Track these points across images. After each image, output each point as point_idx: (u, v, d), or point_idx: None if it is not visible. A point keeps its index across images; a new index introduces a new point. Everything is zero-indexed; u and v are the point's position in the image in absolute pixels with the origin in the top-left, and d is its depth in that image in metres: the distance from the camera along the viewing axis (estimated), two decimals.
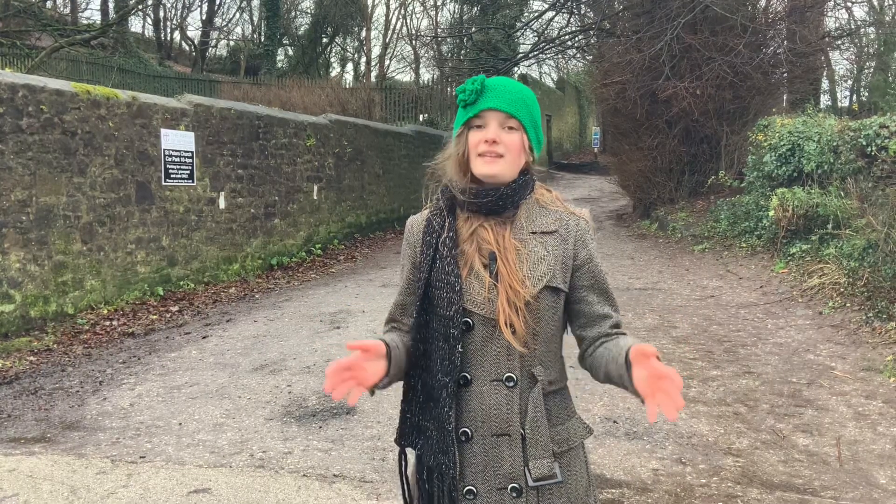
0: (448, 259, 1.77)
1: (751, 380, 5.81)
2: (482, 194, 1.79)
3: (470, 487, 1.75)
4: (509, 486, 1.73)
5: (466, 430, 1.76)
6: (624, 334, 1.81)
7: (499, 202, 1.79)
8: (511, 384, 1.74)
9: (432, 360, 1.79)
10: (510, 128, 1.78)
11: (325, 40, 35.34)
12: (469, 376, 1.76)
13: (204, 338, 7.26)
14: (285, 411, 5.18)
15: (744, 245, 10.73)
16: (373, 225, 15.16)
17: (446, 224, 1.83)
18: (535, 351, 1.76)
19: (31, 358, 6.53)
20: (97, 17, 31.09)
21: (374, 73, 34.40)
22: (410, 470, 1.89)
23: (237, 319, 8.04)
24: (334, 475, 4.16)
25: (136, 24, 36.11)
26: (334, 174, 13.50)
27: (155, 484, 4.05)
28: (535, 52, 19.45)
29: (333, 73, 36.12)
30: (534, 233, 1.80)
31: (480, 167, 1.78)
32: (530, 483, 1.73)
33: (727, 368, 6.11)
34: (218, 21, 37.26)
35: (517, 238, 1.78)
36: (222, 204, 10.23)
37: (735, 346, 6.77)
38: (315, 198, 12.79)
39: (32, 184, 7.24)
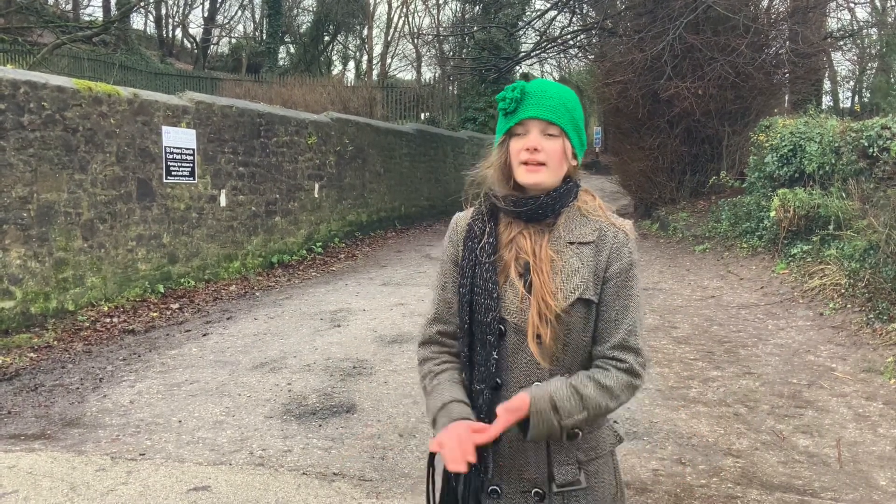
0: (486, 266, 1.79)
1: (751, 380, 5.81)
2: (522, 203, 1.79)
3: (495, 487, 1.78)
4: (532, 491, 1.76)
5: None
6: (607, 369, 1.73)
7: (538, 210, 1.79)
8: None
9: (474, 366, 1.82)
10: (551, 135, 1.76)
11: (326, 38, 35.33)
12: (500, 381, 1.78)
13: (204, 335, 7.26)
14: (285, 409, 5.18)
15: (745, 245, 10.72)
16: (374, 223, 15.16)
17: (487, 230, 1.83)
18: (563, 361, 1.76)
19: (32, 354, 6.54)
20: (99, 14, 31.08)
21: (375, 72, 34.38)
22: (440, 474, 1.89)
23: (238, 317, 8.04)
24: (334, 473, 4.16)
25: (138, 21, 36.10)
26: (335, 172, 13.49)
27: (155, 481, 4.05)
28: (537, 52, 19.43)
29: (335, 72, 36.12)
30: (571, 243, 1.77)
31: (523, 176, 1.77)
32: (554, 489, 1.75)
33: (727, 369, 6.11)
34: (220, 18, 37.26)
35: (554, 248, 1.77)
36: (223, 202, 10.23)
37: (735, 346, 6.77)
38: (316, 196, 12.78)
39: (34, 180, 7.24)
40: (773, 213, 9.72)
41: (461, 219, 1.93)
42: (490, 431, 1.66)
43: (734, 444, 4.61)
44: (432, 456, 1.84)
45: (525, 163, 1.76)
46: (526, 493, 1.76)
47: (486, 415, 1.76)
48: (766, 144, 11.08)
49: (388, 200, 15.99)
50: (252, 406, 5.25)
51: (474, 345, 1.81)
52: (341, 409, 5.20)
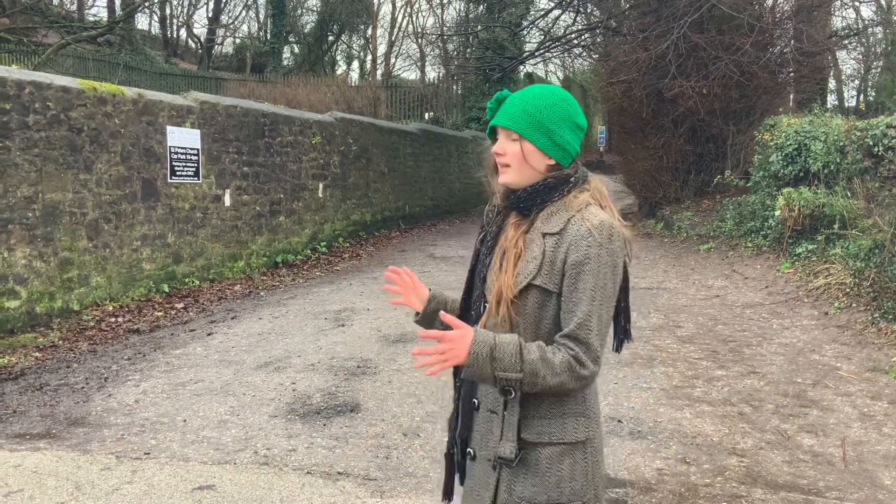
0: (481, 251, 2.08)
1: (756, 380, 5.80)
2: (507, 196, 2.03)
3: (470, 449, 2.00)
4: (492, 458, 1.92)
5: (475, 399, 1.99)
6: (557, 350, 1.84)
7: (518, 203, 1.99)
8: None
9: None
10: (514, 139, 1.97)
11: (330, 38, 35.35)
12: None
13: (209, 335, 7.27)
14: (290, 409, 5.19)
15: (749, 245, 10.70)
16: (378, 223, 15.16)
17: (492, 220, 2.09)
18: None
19: (37, 354, 6.55)
20: (104, 14, 31.13)
21: (379, 72, 34.40)
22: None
23: (242, 317, 8.05)
24: (338, 473, 4.16)
25: (142, 22, 36.14)
26: (339, 172, 13.50)
27: (159, 480, 4.06)
28: (541, 51, 19.42)
29: (339, 71, 36.14)
30: (544, 234, 1.91)
31: (499, 176, 2.03)
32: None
33: (732, 368, 6.10)
34: (224, 19, 37.30)
35: (527, 238, 1.93)
36: (228, 201, 10.24)
37: (740, 345, 6.76)
38: (320, 195, 12.80)
39: (38, 180, 7.26)
40: (777, 213, 9.70)
41: (487, 208, 2.19)
42: (428, 332, 1.90)
43: (739, 443, 4.61)
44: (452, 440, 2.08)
45: (496, 164, 2.02)
46: (488, 461, 1.94)
47: (467, 386, 2.02)
48: (771, 143, 11.05)
49: (393, 200, 16.00)
50: (257, 405, 5.25)
51: (468, 320, 2.02)
52: (345, 408, 5.20)
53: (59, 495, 3.87)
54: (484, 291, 2.00)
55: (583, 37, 18.71)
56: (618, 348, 2.12)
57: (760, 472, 4.19)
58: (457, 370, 2.03)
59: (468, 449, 2.01)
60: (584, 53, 21.28)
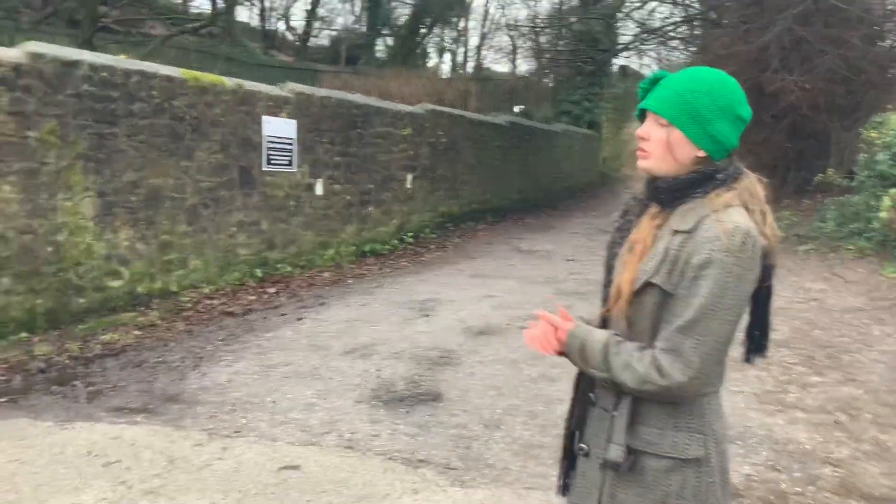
0: (613, 241, 1.98)
1: (854, 388, 5.55)
2: (647, 185, 1.91)
3: (583, 445, 1.95)
4: (602, 457, 1.86)
5: (591, 395, 1.94)
6: (646, 356, 1.76)
7: (657, 195, 1.87)
8: None
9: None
10: (662, 125, 1.83)
11: (423, 31, 35.59)
12: None
13: (299, 320, 7.46)
14: (374, 395, 5.27)
15: (851, 247, 10.22)
16: (465, 215, 15.20)
17: (633, 207, 1.98)
18: (635, 340, 1.84)
19: (137, 332, 6.87)
20: (206, 7, 32.23)
21: (471, 64, 34.44)
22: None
23: (330, 303, 8.22)
24: (419, 460, 4.21)
25: (243, 14, 37.18)
26: (429, 164, 13.60)
27: (248, 458, 4.20)
28: (636, 43, 19.03)
29: (430, 64, 36.36)
30: (674, 231, 1.79)
31: (637, 161, 1.90)
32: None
33: (829, 375, 5.85)
34: (321, 11, 38.01)
35: (658, 233, 1.82)
36: (320, 190, 10.46)
37: (838, 352, 6.48)
38: (409, 187, 12.92)
39: (142, 166, 7.59)
40: (883, 214, 9.23)
41: None
42: (545, 314, 1.94)
43: (833, 452, 4.42)
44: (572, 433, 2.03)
45: (637, 149, 1.88)
46: (598, 461, 1.88)
47: (585, 379, 1.97)
48: (878, 142, 10.53)
49: (480, 192, 16.01)
50: (342, 390, 5.37)
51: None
52: (428, 397, 5.25)
53: (154, 468, 4.05)
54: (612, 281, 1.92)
55: (680, 29, 18.24)
56: (748, 359, 2.01)
57: (856, 484, 4.01)
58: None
59: (581, 444, 1.95)
60: (681, 46, 20.74)
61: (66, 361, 5.96)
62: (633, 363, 1.75)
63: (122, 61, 7.57)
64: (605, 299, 1.96)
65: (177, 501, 3.67)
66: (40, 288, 6.61)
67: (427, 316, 7.64)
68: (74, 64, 6.87)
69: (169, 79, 7.89)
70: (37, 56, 6.54)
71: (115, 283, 7.38)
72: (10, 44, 6.65)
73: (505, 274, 10.21)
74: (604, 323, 1.95)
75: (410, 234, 12.90)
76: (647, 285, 1.77)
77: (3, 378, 5.50)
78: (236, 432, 4.58)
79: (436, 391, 5.37)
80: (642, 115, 1.89)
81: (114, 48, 14.48)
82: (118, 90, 7.29)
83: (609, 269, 1.97)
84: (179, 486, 3.84)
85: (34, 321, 6.55)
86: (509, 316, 7.63)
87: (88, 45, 14.71)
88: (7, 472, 3.95)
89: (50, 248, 6.67)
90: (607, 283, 1.96)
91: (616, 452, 1.80)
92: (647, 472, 1.80)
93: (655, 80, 1.88)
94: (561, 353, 1.91)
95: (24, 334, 6.39)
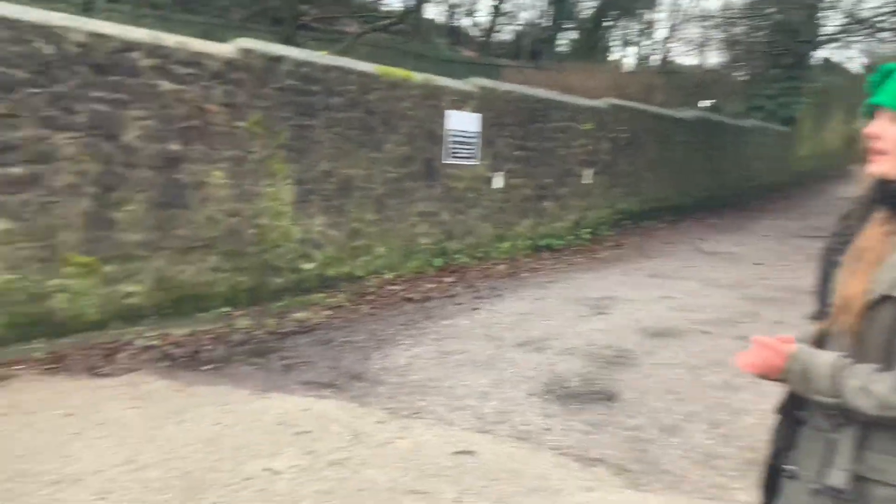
0: (828, 246, 1.79)
1: None
2: (878, 187, 1.70)
3: (792, 467, 1.77)
4: (814, 483, 1.69)
5: (803, 414, 1.77)
6: (886, 379, 1.56)
7: (890, 198, 1.67)
8: None
9: None
10: None
11: (608, 24, 34.96)
12: None
13: (474, 310, 7.63)
14: (547, 389, 5.30)
15: None
16: (644, 213, 14.82)
17: (855, 212, 1.77)
18: (864, 359, 1.64)
19: (326, 312, 7.30)
20: (398, 5, 33.44)
21: (656, 57, 33.43)
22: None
23: (505, 296, 8.33)
24: (592, 459, 4.19)
25: (430, 11, 38.20)
26: (609, 159, 13.39)
27: (426, 440, 4.36)
28: (841, 35, 17.68)
29: (613, 57, 35.65)
30: None
31: (870, 164, 1.69)
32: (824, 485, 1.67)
33: None
34: (506, 6, 38.30)
35: (892, 241, 1.62)
36: (500, 184, 10.61)
37: None
38: (587, 182, 12.79)
39: (336, 157, 8.04)
40: None
41: None
42: (761, 338, 1.76)
43: None
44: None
45: (868, 150, 1.68)
46: (811, 486, 1.70)
47: (793, 397, 1.80)
48: None
49: (661, 189, 15.54)
50: (515, 381, 5.44)
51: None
52: (602, 395, 5.21)
53: (340, 440, 4.31)
54: (829, 297, 1.74)
55: (892, 19, 16.73)
56: None
57: None
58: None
59: (786, 466, 1.79)
60: (893, 37, 19.01)
61: (263, 336, 6.46)
62: (871, 387, 1.57)
63: (322, 57, 8.06)
64: (821, 311, 1.79)
65: (360, 474, 3.89)
66: (243, 267, 7.20)
67: (602, 314, 7.55)
68: (279, 59, 7.40)
69: (364, 74, 8.30)
70: (247, 52, 7.11)
71: (308, 266, 7.89)
72: (220, 40, 7.26)
73: (685, 275, 9.87)
74: (820, 339, 1.78)
75: (587, 230, 12.77)
76: (886, 299, 1.58)
77: (209, 347, 6.04)
78: (415, 414, 4.77)
79: (610, 390, 5.31)
80: (871, 112, 1.70)
81: (312, 45, 15.42)
82: (318, 84, 7.76)
83: (825, 278, 1.78)
84: (362, 459, 4.07)
85: (237, 297, 7.15)
86: (689, 319, 7.39)
87: (290, 41, 15.73)
88: (212, 433, 4.35)
89: (252, 231, 7.24)
90: (822, 293, 1.79)
91: (840, 478, 1.63)
92: (872, 502, 1.63)
93: (888, 73, 1.68)
94: (777, 379, 1.75)
95: (226, 308, 6.99)
